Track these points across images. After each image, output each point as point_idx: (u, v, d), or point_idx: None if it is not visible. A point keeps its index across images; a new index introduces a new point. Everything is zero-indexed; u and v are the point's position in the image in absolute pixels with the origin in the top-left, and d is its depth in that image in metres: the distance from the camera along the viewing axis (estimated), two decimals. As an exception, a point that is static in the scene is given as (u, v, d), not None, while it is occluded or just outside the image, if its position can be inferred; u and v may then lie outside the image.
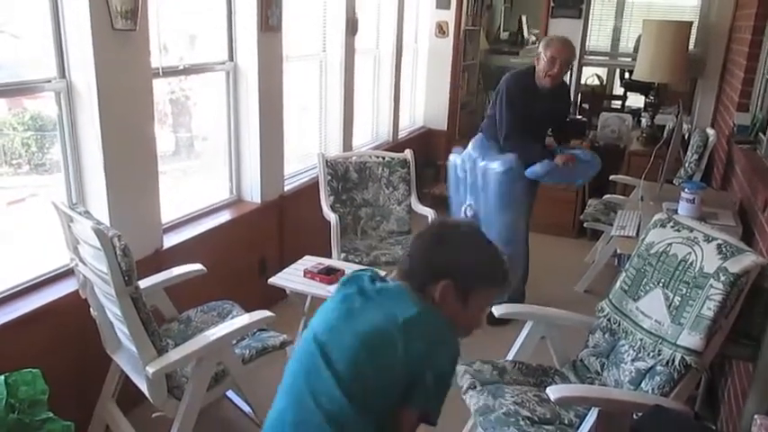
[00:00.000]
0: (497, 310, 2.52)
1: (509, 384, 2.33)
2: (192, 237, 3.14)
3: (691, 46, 4.93)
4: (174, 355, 2.19)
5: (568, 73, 5.42)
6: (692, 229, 2.26)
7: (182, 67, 3.15)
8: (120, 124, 2.61)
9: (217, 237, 3.28)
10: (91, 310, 2.42)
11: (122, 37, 2.53)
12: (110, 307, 2.27)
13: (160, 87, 2.98)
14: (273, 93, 3.65)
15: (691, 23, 4.85)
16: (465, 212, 3.73)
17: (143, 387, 2.27)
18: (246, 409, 2.74)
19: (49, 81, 2.50)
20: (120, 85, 2.58)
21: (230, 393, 2.77)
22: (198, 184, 3.65)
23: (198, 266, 2.77)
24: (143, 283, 2.32)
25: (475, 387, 2.29)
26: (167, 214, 3.06)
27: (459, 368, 2.40)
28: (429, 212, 3.78)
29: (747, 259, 2.00)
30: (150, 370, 2.10)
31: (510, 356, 2.51)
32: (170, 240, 3.03)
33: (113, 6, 2.45)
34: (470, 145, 3.75)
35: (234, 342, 2.48)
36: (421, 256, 1.51)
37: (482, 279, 1.51)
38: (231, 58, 3.47)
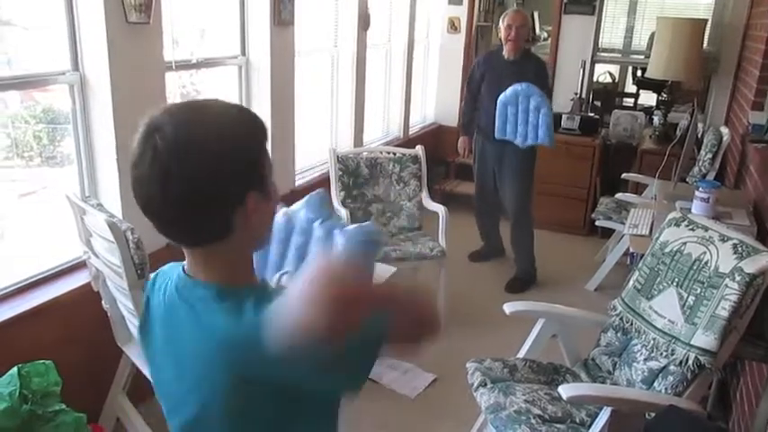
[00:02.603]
0: (508, 308, 2.51)
1: (520, 382, 2.32)
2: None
3: (705, 44, 4.89)
4: (186, 348, 2.19)
5: (582, 70, 5.42)
6: (706, 229, 2.24)
7: (194, 61, 3.14)
8: (133, 117, 2.58)
9: (228, 231, 3.27)
10: (103, 302, 2.43)
11: (136, 30, 2.54)
12: (122, 300, 2.28)
13: (171, 81, 2.98)
14: (285, 87, 3.65)
15: (705, 21, 4.80)
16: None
17: (154, 380, 2.27)
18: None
19: (63, 74, 2.51)
20: (133, 79, 2.59)
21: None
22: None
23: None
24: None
25: (485, 384, 2.28)
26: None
27: (470, 365, 2.39)
28: (440, 209, 3.77)
29: (764, 259, 1.98)
30: (162, 363, 2.11)
31: (521, 354, 2.50)
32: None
33: (127, -1, 2.45)
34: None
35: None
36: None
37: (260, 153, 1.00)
38: (243, 52, 3.47)
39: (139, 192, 0.97)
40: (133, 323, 2.24)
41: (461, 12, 5.88)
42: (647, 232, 3.10)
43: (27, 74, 2.45)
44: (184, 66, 3.07)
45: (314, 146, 4.41)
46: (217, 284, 1.01)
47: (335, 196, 3.76)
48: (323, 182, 3.95)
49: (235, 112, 1.00)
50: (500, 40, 4.09)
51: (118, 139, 2.56)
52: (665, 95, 5.09)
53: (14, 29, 2.51)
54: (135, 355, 2.42)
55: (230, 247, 1.00)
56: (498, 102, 3.93)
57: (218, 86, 3.57)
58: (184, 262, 1.06)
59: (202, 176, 0.92)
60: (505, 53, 4.02)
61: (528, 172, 4.16)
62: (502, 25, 3.99)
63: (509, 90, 3.90)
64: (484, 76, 4.15)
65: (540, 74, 4.05)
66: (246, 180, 0.97)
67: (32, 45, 2.57)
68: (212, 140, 0.93)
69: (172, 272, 1.10)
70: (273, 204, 1.06)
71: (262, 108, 3.54)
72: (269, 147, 1.02)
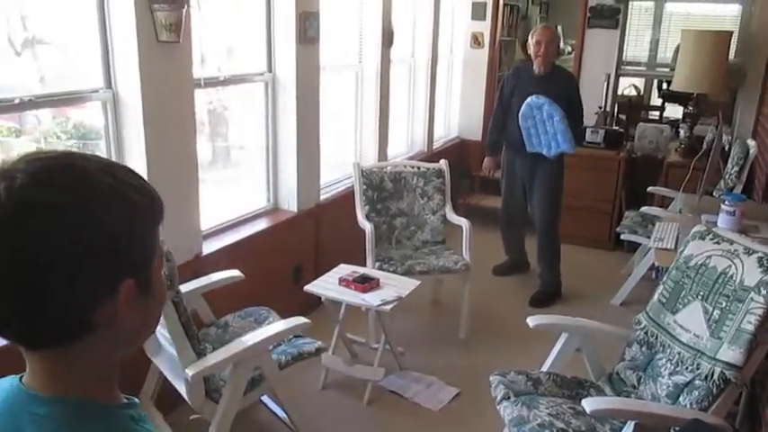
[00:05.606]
0: (532, 321, 2.52)
1: (543, 396, 2.32)
2: (230, 243, 3.20)
3: (731, 56, 4.85)
4: (213, 358, 2.24)
5: (606, 84, 5.41)
6: (732, 242, 2.23)
7: (222, 78, 3.22)
8: (163, 133, 2.69)
9: (254, 244, 3.33)
10: (133, 313, 2.48)
11: (166, 49, 2.61)
12: (151, 311, 2.33)
13: (198, 98, 3.06)
14: (310, 103, 3.71)
15: (731, 33, 4.77)
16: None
17: (182, 390, 2.32)
18: (281, 414, 2.78)
19: (96, 91, 2.59)
20: (163, 96, 2.66)
21: (265, 398, 2.81)
22: (235, 192, 3.72)
23: (236, 272, 2.82)
24: (183, 288, 2.37)
25: (509, 398, 2.29)
26: (206, 221, 3.13)
27: (493, 378, 2.40)
28: (464, 222, 3.79)
29: (790, 273, 1.97)
30: (190, 372, 2.15)
31: (544, 368, 2.50)
32: (209, 247, 3.09)
33: (158, 19, 2.53)
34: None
35: (270, 348, 2.52)
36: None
37: (149, 233, 0.78)
38: (270, 69, 3.54)
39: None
40: (163, 334, 2.29)
41: (485, 27, 5.92)
42: (673, 246, 3.08)
43: (62, 91, 2.53)
44: (212, 83, 3.15)
45: (338, 160, 4.47)
46: (71, 400, 0.74)
47: (360, 210, 3.79)
48: (347, 196, 4.00)
49: (123, 172, 0.76)
50: (529, 55, 4.14)
51: (148, 154, 2.63)
52: (690, 108, 5.06)
53: (48, 47, 2.60)
54: (163, 365, 2.47)
55: (83, 353, 0.74)
56: (519, 118, 3.97)
57: (244, 103, 3.64)
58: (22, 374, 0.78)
59: (51, 247, 0.67)
60: (535, 68, 4.06)
61: (558, 185, 4.18)
62: (531, 41, 4.04)
63: (523, 105, 3.95)
64: (513, 91, 4.17)
65: (570, 88, 4.11)
66: (120, 263, 0.72)
67: (66, 63, 2.65)
68: (76, 199, 0.70)
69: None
70: (157, 303, 0.82)
71: (288, 124, 3.61)
72: (162, 228, 0.80)
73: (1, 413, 0.75)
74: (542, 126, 3.93)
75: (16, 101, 2.28)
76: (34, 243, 0.67)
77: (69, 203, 0.69)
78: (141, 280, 0.75)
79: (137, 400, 0.83)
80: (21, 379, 0.76)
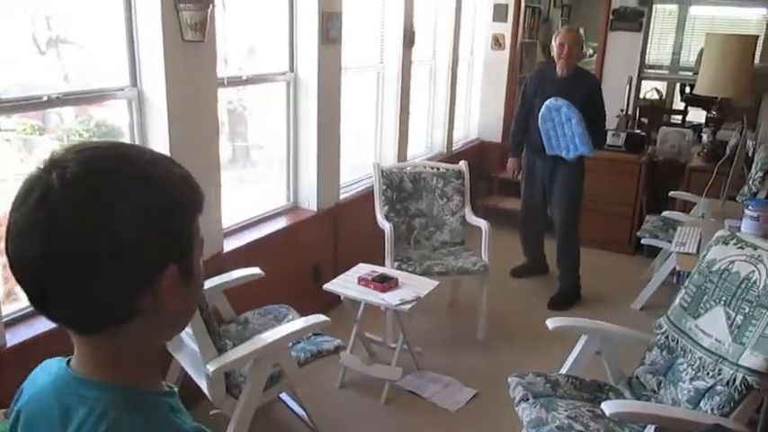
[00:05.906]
0: (552, 323, 2.52)
1: (562, 398, 2.31)
2: (250, 241, 3.22)
3: (756, 60, 4.80)
4: (234, 354, 2.26)
5: (628, 87, 5.37)
6: (756, 247, 2.21)
7: (245, 78, 3.25)
8: (186, 131, 2.72)
9: (274, 242, 3.36)
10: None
11: (191, 48, 2.64)
12: (173, 306, 2.36)
13: (220, 97, 3.08)
14: (332, 103, 3.73)
15: (756, 37, 4.72)
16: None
17: (203, 385, 2.34)
18: (300, 411, 2.79)
19: (122, 89, 2.62)
20: (188, 94, 2.69)
21: (284, 396, 2.83)
22: (255, 190, 3.75)
23: (256, 270, 2.85)
24: (205, 285, 2.40)
25: (527, 399, 2.28)
26: (227, 219, 3.16)
27: (512, 380, 2.40)
28: (483, 224, 3.78)
29: (815, 279, 1.95)
30: (211, 368, 2.18)
31: (563, 370, 2.50)
32: (230, 244, 3.12)
33: (184, 19, 2.56)
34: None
35: (290, 345, 2.54)
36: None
37: (190, 217, 0.79)
38: (292, 69, 3.56)
39: (12, 244, 0.71)
40: (185, 330, 2.32)
41: (506, 28, 5.91)
42: (695, 250, 3.06)
43: (88, 89, 2.57)
44: (235, 82, 3.17)
45: (358, 160, 4.48)
46: (119, 385, 0.77)
47: (379, 210, 3.81)
48: (367, 196, 4.01)
49: (167, 163, 0.79)
50: (551, 57, 4.12)
51: (172, 152, 2.66)
52: (714, 112, 5.01)
53: (72, 46, 2.63)
54: (184, 360, 2.50)
55: (128, 338, 0.76)
56: (539, 119, 3.96)
57: (265, 103, 3.67)
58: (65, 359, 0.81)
59: (101, 233, 0.69)
60: (558, 70, 4.04)
61: (578, 188, 4.17)
62: (554, 43, 4.03)
63: (542, 107, 3.94)
64: (536, 92, 4.15)
65: (593, 90, 4.09)
66: (165, 249, 0.74)
67: (88, 62, 2.68)
68: (127, 187, 0.72)
69: (46, 370, 0.83)
70: (197, 289, 0.83)
71: (309, 123, 3.63)
72: (201, 219, 0.81)
73: (51, 392, 0.78)
74: (561, 128, 3.92)
75: (44, 98, 2.32)
76: (82, 231, 0.69)
77: (116, 193, 0.71)
78: (184, 266, 0.77)
79: (176, 389, 0.84)
80: (68, 362, 0.79)
